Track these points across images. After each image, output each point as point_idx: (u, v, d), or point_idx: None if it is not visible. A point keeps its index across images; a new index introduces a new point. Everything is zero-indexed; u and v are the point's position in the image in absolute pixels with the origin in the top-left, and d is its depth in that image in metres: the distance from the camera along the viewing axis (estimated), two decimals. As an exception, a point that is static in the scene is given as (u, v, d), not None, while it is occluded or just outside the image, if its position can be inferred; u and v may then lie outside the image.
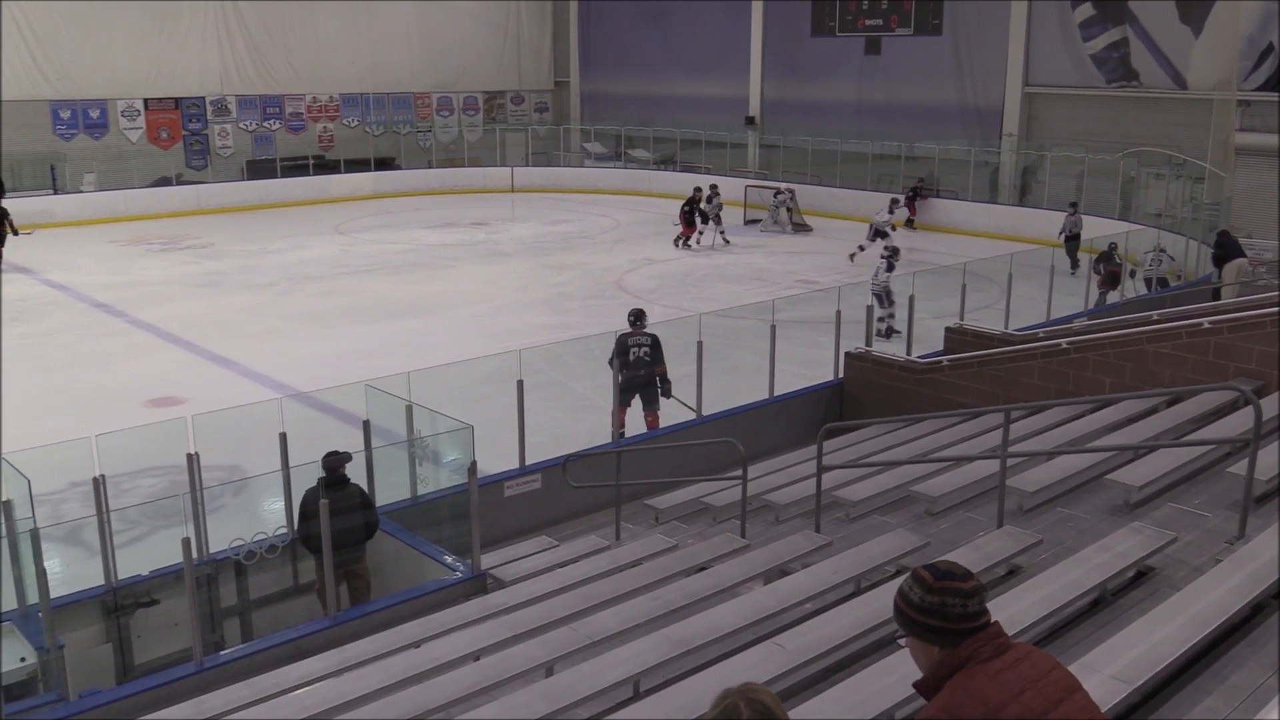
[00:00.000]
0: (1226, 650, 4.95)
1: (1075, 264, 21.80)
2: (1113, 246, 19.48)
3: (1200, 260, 21.07)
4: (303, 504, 8.74)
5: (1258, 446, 6.61)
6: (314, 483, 8.58)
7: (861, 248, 23.48)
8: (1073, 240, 22.37)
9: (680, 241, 25.93)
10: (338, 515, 8.53)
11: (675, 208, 27.10)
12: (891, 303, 16.72)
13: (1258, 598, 5.24)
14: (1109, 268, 19.26)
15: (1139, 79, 26.30)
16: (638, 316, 12.61)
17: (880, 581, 6.68)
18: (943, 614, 2.80)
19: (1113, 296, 19.11)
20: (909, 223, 29.05)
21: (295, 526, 8.94)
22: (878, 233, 23.06)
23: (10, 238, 23.82)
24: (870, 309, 15.11)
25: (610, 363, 12.21)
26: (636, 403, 12.33)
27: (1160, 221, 23.60)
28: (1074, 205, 23.35)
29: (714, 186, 26.66)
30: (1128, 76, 26.51)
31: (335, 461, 8.80)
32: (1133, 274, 19.81)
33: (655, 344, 12.27)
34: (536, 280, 22.44)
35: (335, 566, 8.66)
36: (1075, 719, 2.78)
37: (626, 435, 12.10)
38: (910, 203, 29.09)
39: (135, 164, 32.21)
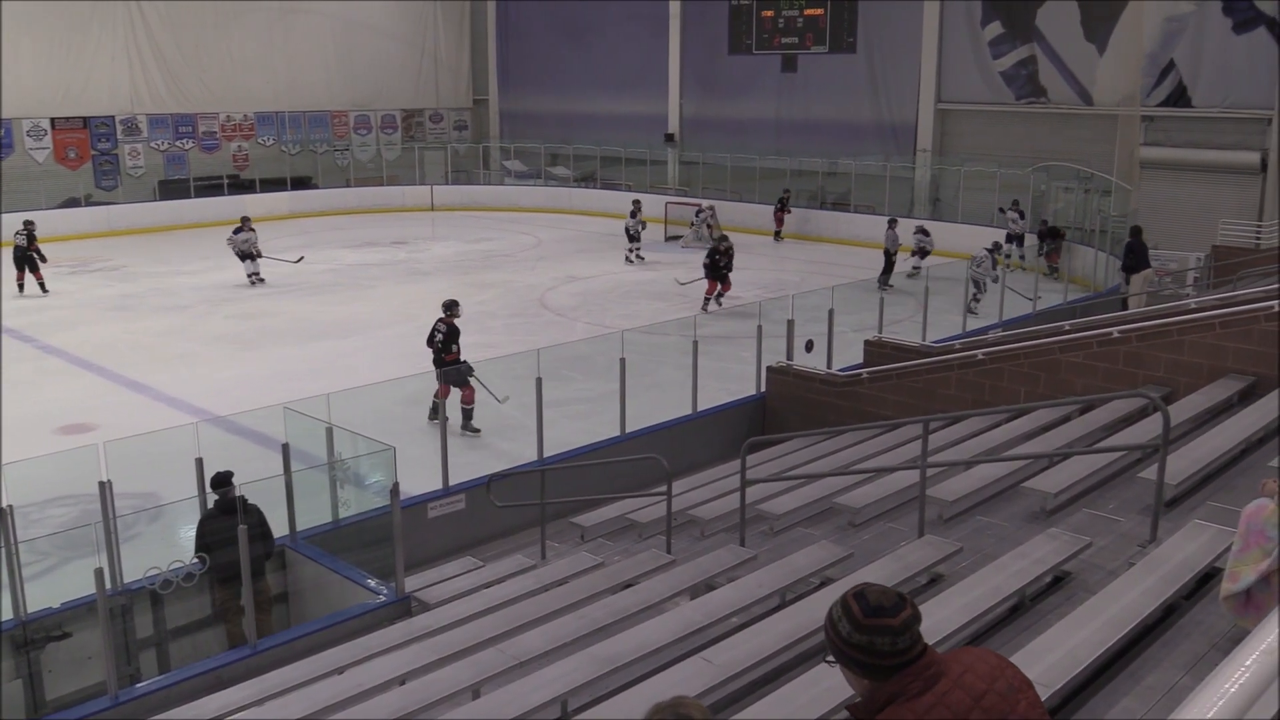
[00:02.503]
0: (1141, 651, 5.06)
1: (884, 281, 21.80)
2: (1051, 226, 23.91)
3: (1110, 271, 21.65)
4: (202, 534, 8.55)
5: (1167, 452, 6.79)
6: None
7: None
8: (891, 256, 22.64)
9: (711, 300, 20.86)
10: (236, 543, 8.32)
11: (598, 225, 26.96)
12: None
13: (1170, 599, 5.37)
14: (1056, 242, 23.57)
15: (1047, 95, 26.96)
16: (447, 308, 14.08)
17: (805, 594, 6.73)
18: (870, 651, 2.72)
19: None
20: (776, 234, 29.58)
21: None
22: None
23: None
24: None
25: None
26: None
27: (1071, 234, 24.23)
28: (893, 221, 23.50)
29: (636, 203, 26.58)
30: (1036, 93, 27.17)
31: (231, 487, 8.58)
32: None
33: (450, 332, 13.79)
34: (458, 299, 22.22)
35: (239, 594, 8.48)
36: None
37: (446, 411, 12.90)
38: (777, 214, 29.61)
39: (42, 185, 31.31)
